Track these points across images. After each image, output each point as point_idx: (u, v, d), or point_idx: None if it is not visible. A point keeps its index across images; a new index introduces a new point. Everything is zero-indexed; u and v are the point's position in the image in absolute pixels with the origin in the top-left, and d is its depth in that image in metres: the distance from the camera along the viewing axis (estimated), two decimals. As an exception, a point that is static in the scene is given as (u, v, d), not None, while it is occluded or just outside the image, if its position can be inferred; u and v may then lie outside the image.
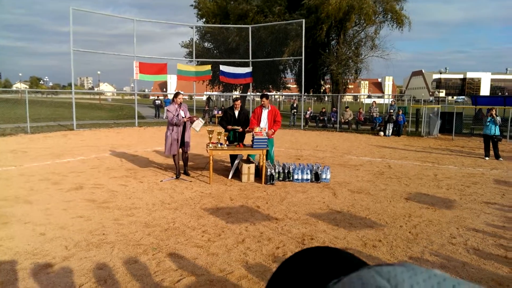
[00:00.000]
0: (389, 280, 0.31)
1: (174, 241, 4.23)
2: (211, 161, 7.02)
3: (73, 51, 16.74)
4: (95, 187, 6.57)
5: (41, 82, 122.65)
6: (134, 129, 18.25)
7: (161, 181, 7.16)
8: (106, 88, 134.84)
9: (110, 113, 28.67)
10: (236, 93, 35.56)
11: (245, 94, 28.86)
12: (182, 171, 7.72)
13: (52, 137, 13.98)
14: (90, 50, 20.89)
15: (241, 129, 7.66)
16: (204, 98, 40.52)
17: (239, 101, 7.92)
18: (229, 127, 7.62)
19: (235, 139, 7.73)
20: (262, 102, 7.78)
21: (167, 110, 7.38)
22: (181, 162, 7.90)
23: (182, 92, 7.91)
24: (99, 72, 74.32)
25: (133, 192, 6.33)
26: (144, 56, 19.79)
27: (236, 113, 7.76)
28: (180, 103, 7.33)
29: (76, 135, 14.68)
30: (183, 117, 7.26)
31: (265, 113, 7.71)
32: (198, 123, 7.34)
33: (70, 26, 16.40)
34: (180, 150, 7.58)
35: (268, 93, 18.08)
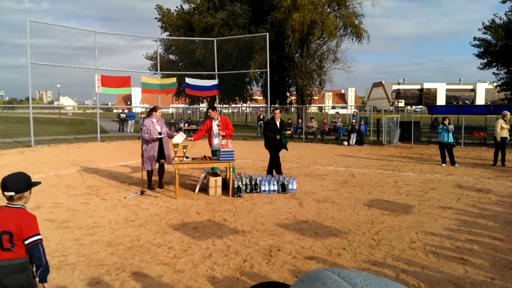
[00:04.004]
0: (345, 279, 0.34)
1: (138, 259, 4.13)
2: (176, 175, 6.93)
3: (31, 64, 16.10)
4: (54, 206, 6.30)
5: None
6: (96, 144, 17.68)
7: (125, 197, 6.97)
8: (67, 102, 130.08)
9: (70, 128, 27.63)
10: (204, 105, 35.46)
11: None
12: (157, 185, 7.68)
13: (8, 154, 13.26)
14: (49, 63, 20.17)
15: (289, 133, 8.34)
16: (170, 110, 40.01)
17: (278, 110, 8.45)
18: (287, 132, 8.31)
19: (281, 144, 8.24)
20: (209, 114, 7.97)
21: (143, 125, 7.39)
22: (150, 177, 7.79)
23: (159, 106, 7.94)
24: (58, 86, 71.55)
25: (95, 210, 6.11)
26: (106, 69, 19.35)
27: (278, 123, 8.23)
28: (156, 116, 7.45)
29: (34, 152, 14.02)
30: (159, 133, 7.30)
31: (215, 124, 7.79)
32: (179, 137, 7.26)
33: (27, 39, 15.80)
34: (158, 162, 7.62)
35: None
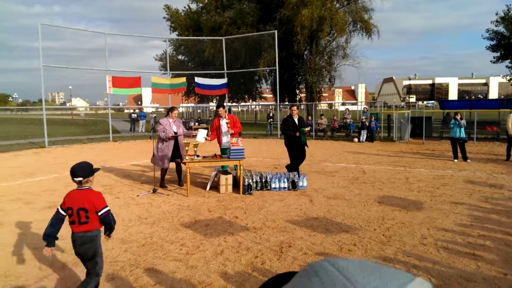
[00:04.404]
0: (336, 267, 0.35)
1: (152, 256, 4.21)
2: (188, 174, 7.02)
3: (43, 67, 16.39)
4: (69, 205, 6.43)
5: (10, 99, 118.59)
6: (108, 144, 17.93)
7: (138, 195, 7.08)
8: (79, 103, 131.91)
9: (83, 129, 28.05)
10: (213, 104, 35.60)
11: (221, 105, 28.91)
12: (168, 184, 7.72)
13: (23, 155, 13.56)
14: (61, 65, 20.51)
15: (307, 129, 8.13)
16: (180, 110, 40.29)
17: (295, 107, 8.27)
18: (306, 129, 8.07)
19: (301, 142, 8.04)
20: (219, 112, 7.97)
21: (159, 123, 7.60)
22: (163, 176, 7.88)
23: (177, 107, 8.10)
24: (70, 87, 72.70)
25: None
26: (117, 70, 19.60)
27: (296, 119, 8.05)
28: (172, 116, 7.60)
29: (49, 153, 14.30)
30: (175, 132, 7.46)
31: (223, 123, 7.86)
32: (200, 136, 7.41)
33: (39, 42, 16.09)
34: (175, 162, 7.78)
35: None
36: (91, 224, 3.04)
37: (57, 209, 3.10)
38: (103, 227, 3.15)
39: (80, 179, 3.05)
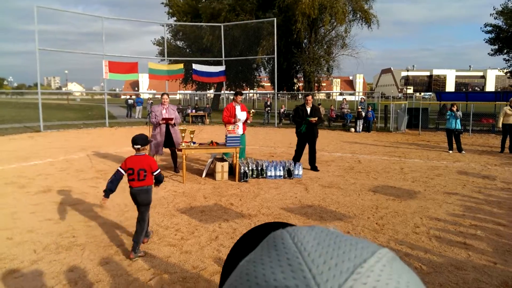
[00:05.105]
0: (290, 232, 0.35)
1: (146, 240, 4.23)
2: (184, 160, 7.02)
3: (39, 50, 16.19)
4: (64, 190, 6.43)
5: (5, 82, 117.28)
6: (104, 129, 17.85)
7: (133, 181, 7.08)
8: (75, 88, 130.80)
9: (79, 114, 27.87)
10: (211, 92, 35.39)
11: (219, 93, 28.83)
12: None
13: (17, 139, 13.48)
14: (57, 49, 20.27)
15: (314, 120, 7.86)
16: (178, 96, 40.06)
17: (310, 96, 8.22)
18: (312, 119, 7.85)
19: (308, 132, 8.01)
20: (236, 98, 8.06)
21: (151, 110, 7.62)
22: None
23: (168, 93, 8.09)
24: (66, 71, 72.06)
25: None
26: (114, 55, 19.40)
27: (309, 109, 8.02)
28: (163, 103, 7.54)
29: (44, 137, 14.22)
30: (164, 118, 7.41)
31: (238, 108, 7.98)
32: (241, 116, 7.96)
33: (35, 25, 15.85)
34: (169, 149, 7.83)
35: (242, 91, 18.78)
36: (147, 181, 3.95)
37: (117, 169, 3.95)
38: (154, 182, 4.11)
39: (139, 146, 3.97)
